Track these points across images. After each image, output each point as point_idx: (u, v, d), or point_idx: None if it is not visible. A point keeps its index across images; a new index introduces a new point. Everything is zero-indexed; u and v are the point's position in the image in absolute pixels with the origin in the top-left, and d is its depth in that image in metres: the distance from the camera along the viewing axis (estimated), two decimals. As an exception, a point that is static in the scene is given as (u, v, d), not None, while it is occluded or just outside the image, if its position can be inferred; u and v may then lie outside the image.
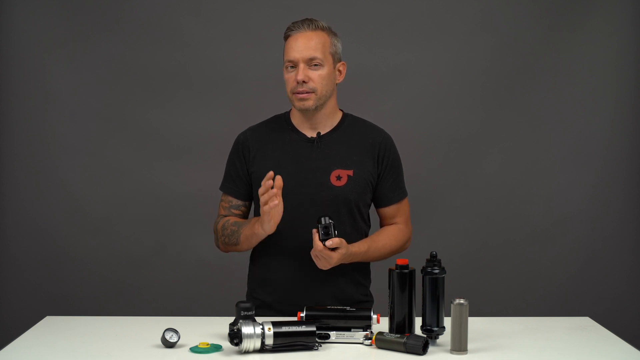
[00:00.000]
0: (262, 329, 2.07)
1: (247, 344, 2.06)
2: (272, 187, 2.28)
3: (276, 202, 2.28)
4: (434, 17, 3.78)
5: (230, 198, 2.58)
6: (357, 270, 2.55)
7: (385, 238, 2.54)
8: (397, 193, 2.57)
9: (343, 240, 2.32)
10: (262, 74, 3.72)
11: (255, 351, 2.08)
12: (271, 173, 2.28)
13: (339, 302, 2.47)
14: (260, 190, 2.29)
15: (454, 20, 3.77)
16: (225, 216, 2.58)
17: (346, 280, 2.52)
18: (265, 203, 2.29)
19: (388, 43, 3.78)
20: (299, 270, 2.47)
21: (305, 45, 2.43)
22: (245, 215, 2.61)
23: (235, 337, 2.07)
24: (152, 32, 3.75)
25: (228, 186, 2.58)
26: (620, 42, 3.75)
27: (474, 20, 3.77)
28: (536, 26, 3.74)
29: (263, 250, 2.52)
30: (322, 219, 2.29)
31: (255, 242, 2.46)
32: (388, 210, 2.57)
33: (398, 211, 2.58)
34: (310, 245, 2.36)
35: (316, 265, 2.40)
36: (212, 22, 3.76)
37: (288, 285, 2.50)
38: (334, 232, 2.29)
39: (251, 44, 3.75)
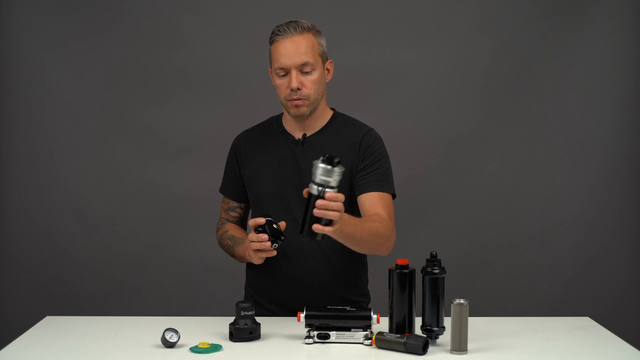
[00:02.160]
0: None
1: None
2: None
3: (266, 256, 2.33)
4: (434, 17, 3.78)
5: (227, 200, 2.65)
6: (352, 271, 2.54)
7: (365, 218, 2.37)
8: (373, 183, 2.43)
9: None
10: (261, 74, 3.68)
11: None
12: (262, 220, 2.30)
13: (328, 303, 2.44)
14: (251, 236, 2.31)
15: (454, 20, 3.77)
16: (227, 220, 2.64)
17: (337, 279, 2.51)
18: (258, 251, 2.32)
19: (388, 43, 3.78)
20: (292, 271, 2.47)
21: (295, 50, 2.39)
22: (242, 217, 2.65)
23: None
24: (151, 32, 3.75)
25: (225, 188, 2.65)
26: (620, 42, 3.75)
27: (474, 21, 3.76)
28: (536, 26, 3.74)
29: None
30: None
31: (248, 261, 2.48)
32: (365, 200, 2.41)
33: (377, 203, 2.40)
34: (302, 246, 2.40)
35: (309, 266, 2.44)
36: (211, 22, 3.76)
37: (282, 287, 2.50)
38: (273, 227, 2.30)
39: (250, 43, 3.74)
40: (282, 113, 2.58)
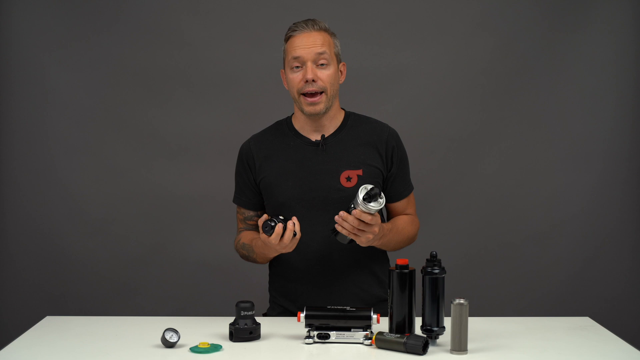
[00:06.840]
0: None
1: None
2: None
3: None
4: (434, 17, 3.78)
5: (243, 210, 2.57)
6: (378, 267, 2.54)
7: (402, 222, 2.52)
8: (407, 187, 2.56)
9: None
10: (261, 74, 3.72)
11: None
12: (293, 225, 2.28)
13: (362, 302, 2.47)
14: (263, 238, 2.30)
15: (454, 20, 3.77)
16: (244, 229, 2.57)
17: (368, 279, 2.51)
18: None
19: (388, 43, 3.78)
20: (318, 274, 2.45)
21: (312, 42, 2.40)
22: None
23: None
24: (151, 32, 3.75)
25: (239, 198, 2.57)
26: (620, 42, 3.75)
27: (474, 20, 3.77)
28: (536, 26, 3.74)
29: (280, 258, 2.50)
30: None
31: (273, 255, 2.45)
32: (399, 205, 2.56)
33: (408, 204, 2.57)
34: (329, 249, 2.38)
35: (334, 268, 2.43)
36: (211, 22, 3.76)
37: (310, 292, 2.48)
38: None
39: (250, 43, 3.75)
40: (291, 115, 2.56)
